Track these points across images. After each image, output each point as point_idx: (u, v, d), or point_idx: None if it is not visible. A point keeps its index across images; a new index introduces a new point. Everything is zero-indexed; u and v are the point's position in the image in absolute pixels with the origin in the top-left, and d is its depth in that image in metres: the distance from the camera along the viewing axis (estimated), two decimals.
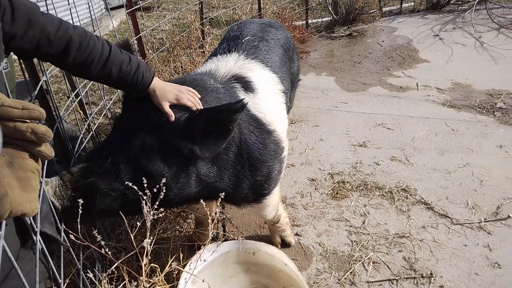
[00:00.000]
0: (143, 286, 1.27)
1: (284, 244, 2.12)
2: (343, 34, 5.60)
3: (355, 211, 2.35)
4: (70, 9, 2.01)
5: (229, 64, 1.76)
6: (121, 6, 7.41)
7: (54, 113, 1.72)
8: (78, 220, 1.11)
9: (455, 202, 2.34)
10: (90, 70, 1.22)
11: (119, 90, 2.04)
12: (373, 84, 4.04)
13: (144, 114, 1.33)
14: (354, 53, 4.95)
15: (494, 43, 4.70)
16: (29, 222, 0.91)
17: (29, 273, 0.92)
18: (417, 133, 3.08)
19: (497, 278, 1.85)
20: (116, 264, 1.24)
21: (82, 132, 2.08)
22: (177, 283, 1.46)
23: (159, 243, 1.92)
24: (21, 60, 1.77)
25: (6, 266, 0.82)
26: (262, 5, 5.07)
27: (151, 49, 3.78)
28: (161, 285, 1.36)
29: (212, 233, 1.40)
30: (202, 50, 4.26)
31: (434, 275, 1.89)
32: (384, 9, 6.41)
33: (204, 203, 1.36)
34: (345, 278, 1.92)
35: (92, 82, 2.62)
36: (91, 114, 2.22)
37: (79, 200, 1.09)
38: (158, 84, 1.33)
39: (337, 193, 2.50)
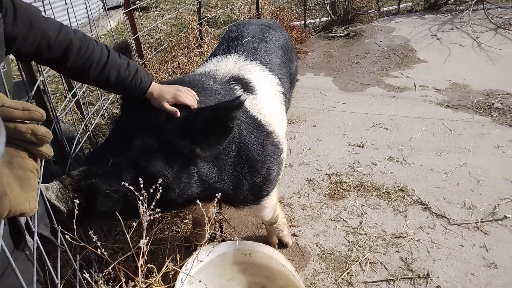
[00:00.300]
0: (140, 286, 1.27)
1: (282, 245, 2.13)
2: (341, 34, 5.60)
3: (352, 211, 2.35)
4: (67, 9, 2.01)
5: (228, 65, 1.75)
6: (118, 6, 7.41)
7: (51, 113, 1.71)
8: (82, 222, 1.11)
9: (452, 203, 2.35)
10: (88, 74, 1.23)
11: None
12: (371, 84, 4.04)
13: (143, 115, 1.33)
14: (352, 53, 4.95)
15: (491, 43, 4.71)
16: (23, 224, 0.90)
17: (21, 275, 0.92)
18: (414, 133, 3.09)
19: (493, 278, 1.86)
20: (113, 265, 1.24)
21: (79, 133, 2.08)
22: (174, 284, 1.46)
23: (156, 244, 1.92)
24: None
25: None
26: (260, 5, 5.06)
27: (149, 49, 3.78)
28: (157, 286, 1.36)
29: (209, 234, 1.40)
30: (200, 50, 4.25)
31: (431, 276, 1.89)
32: (382, 9, 6.42)
33: (200, 204, 1.36)
34: (342, 279, 1.92)
35: None
36: (88, 115, 2.22)
37: (82, 201, 1.09)
38: (156, 88, 1.33)
39: (334, 194, 2.50)
